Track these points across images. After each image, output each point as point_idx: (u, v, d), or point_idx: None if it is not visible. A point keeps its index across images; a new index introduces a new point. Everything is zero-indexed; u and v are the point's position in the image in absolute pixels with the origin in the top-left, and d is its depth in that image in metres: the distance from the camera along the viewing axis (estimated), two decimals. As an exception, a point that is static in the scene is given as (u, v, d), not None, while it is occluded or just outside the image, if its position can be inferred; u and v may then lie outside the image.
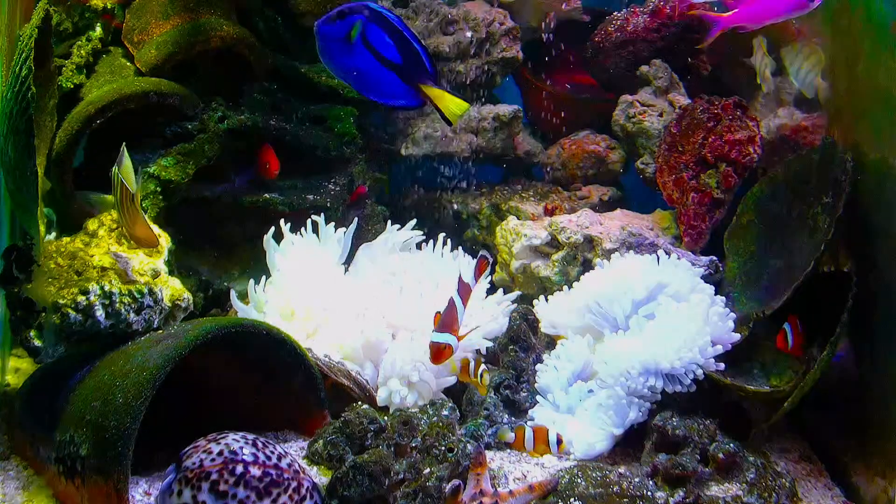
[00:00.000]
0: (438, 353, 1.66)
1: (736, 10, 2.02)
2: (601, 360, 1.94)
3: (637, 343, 1.91)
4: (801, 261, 1.93)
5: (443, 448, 1.66)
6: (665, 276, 2.03)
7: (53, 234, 2.06)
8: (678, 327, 1.88)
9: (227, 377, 1.90)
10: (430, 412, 1.82)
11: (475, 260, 1.76)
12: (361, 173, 2.64)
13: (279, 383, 1.87)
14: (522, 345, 2.07)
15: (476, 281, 1.74)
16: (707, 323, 1.87)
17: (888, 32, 1.82)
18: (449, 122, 1.44)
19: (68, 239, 1.94)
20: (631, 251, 2.27)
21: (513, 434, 1.81)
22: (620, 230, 2.35)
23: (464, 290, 1.72)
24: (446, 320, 1.68)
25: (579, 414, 1.91)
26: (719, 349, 1.85)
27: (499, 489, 1.58)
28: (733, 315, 1.93)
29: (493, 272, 2.57)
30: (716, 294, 2.02)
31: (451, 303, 1.69)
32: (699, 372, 1.82)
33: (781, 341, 1.88)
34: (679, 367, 1.81)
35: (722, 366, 1.86)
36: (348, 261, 2.31)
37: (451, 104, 1.42)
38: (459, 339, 1.70)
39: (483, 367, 1.78)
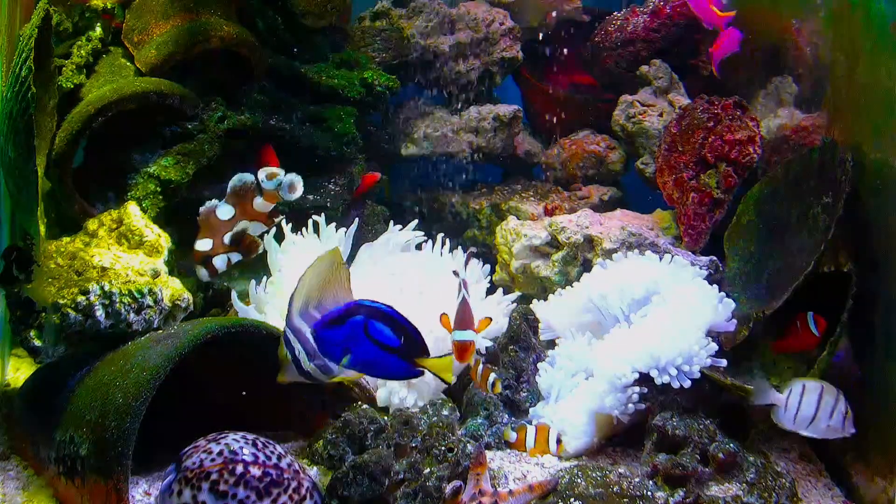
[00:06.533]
0: (464, 351, 1.68)
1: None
2: (596, 357, 1.94)
3: (630, 340, 1.91)
4: (800, 261, 1.93)
5: (443, 448, 1.66)
6: (664, 275, 2.03)
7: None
8: (672, 323, 1.88)
9: (227, 377, 1.90)
10: (430, 412, 1.82)
11: (464, 256, 1.82)
12: (361, 173, 2.64)
13: (280, 383, 1.87)
14: (522, 345, 2.07)
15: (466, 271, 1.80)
16: (698, 326, 1.87)
17: (888, 32, 1.82)
18: (446, 383, 1.64)
19: (68, 239, 1.94)
20: (631, 251, 2.27)
21: (515, 433, 1.81)
22: (620, 230, 2.35)
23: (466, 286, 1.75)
24: (465, 317, 1.69)
25: (569, 400, 1.92)
26: (713, 347, 1.84)
27: (499, 489, 1.58)
28: (730, 301, 1.94)
29: (493, 272, 2.57)
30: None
31: (465, 300, 1.71)
32: (695, 368, 1.81)
33: (809, 335, 1.87)
34: (670, 361, 1.80)
35: (722, 362, 1.85)
36: (349, 261, 2.30)
37: (440, 366, 1.57)
38: (476, 331, 1.72)
39: (493, 376, 1.78)
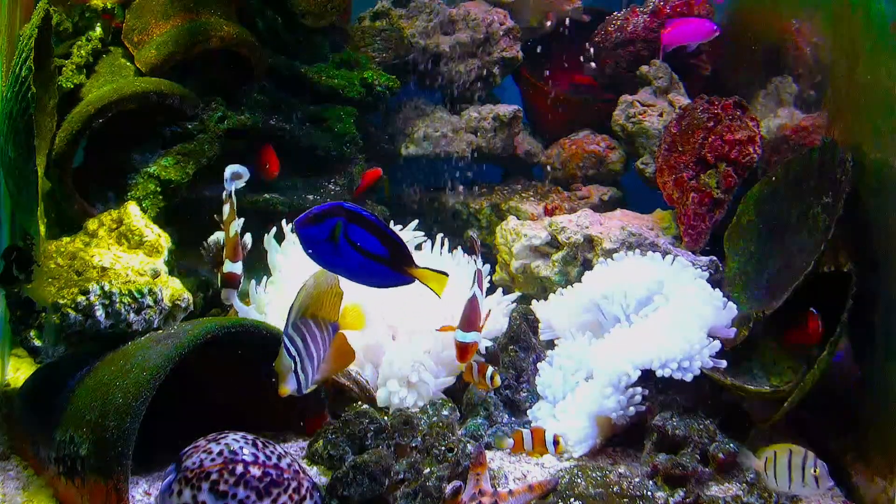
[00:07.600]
0: (466, 352, 1.67)
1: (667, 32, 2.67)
2: (596, 357, 1.94)
3: (632, 339, 1.91)
4: (800, 261, 1.93)
5: (443, 448, 1.66)
6: (665, 275, 2.03)
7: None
8: (673, 323, 1.88)
9: (227, 377, 1.90)
10: (430, 412, 1.82)
11: (474, 260, 1.78)
12: (361, 173, 2.64)
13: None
14: (522, 345, 2.07)
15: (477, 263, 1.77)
16: (700, 326, 1.86)
17: (888, 32, 1.82)
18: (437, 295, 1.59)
19: (68, 239, 1.94)
20: (631, 251, 2.27)
21: (511, 440, 1.79)
22: (620, 230, 2.35)
23: (479, 281, 1.74)
24: (471, 318, 1.68)
25: (570, 403, 1.92)
26: (716, 345, 1.84)
27: (498, 489, 1.58)
28: (733, 305, 1.93)
29: (493, 272, 2.57)
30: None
31: (474, 299, 1.69)
32: (696, 365, 1.81)
33: (813, 329, 1.86)
34: (671, 359, 1.80)
35: (723, 363, 1.85)
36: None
37: (434, 280, 1.53)
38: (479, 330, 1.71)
39: (491, 369, 1.78)
